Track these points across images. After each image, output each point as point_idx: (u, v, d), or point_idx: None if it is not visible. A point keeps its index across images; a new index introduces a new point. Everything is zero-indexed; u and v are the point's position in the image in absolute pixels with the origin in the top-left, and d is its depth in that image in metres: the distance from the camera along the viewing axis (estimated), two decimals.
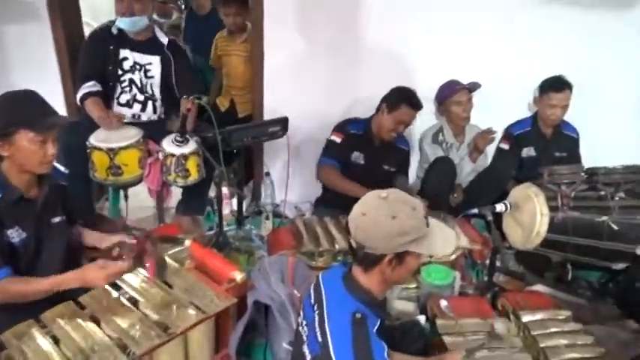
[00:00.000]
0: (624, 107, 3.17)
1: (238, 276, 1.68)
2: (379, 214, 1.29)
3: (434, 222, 1.36)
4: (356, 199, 1.39)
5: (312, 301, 1.42)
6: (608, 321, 2.06)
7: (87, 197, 2.52)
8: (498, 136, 3.02)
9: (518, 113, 3.10)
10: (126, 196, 2.58)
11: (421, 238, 1.30)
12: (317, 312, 1.38)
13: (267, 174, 3.09)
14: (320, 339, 1.32)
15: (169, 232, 2.36)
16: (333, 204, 2.73)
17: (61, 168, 1.81)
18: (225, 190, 2.87)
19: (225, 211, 2.92)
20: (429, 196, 2.67)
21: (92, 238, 1.97)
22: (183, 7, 5.01)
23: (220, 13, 3.13)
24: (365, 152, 2.74)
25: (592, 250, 2.26)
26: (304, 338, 1.43)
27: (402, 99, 2.59)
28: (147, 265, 1.71)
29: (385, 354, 1.28)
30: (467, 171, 2.96)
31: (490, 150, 3.06)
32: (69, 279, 1.61)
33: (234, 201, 2.84)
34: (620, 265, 2.29)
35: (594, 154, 3.00)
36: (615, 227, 2.19)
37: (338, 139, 2.70)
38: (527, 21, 2.91)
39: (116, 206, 2.78)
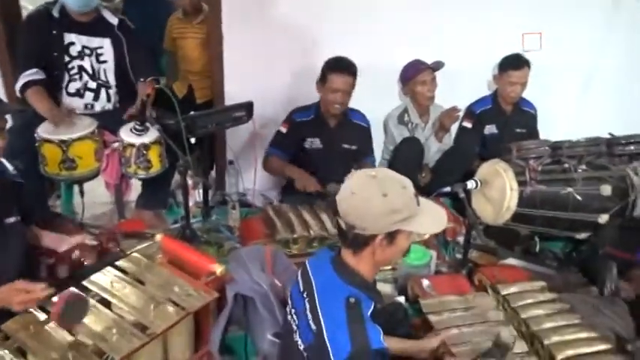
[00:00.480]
0: (574, 80, 3.28)
1: (218, 269, 1.59)
2: (369, 192, 1.24)
3: (424, 201, 1.33)
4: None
5: (301, 288, 1.36)
6: (577, 288, 2.15)
7: (40, 195, 2.32)
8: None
9: (479, 92, 3.15)
10: (81, 192, 2.41)
11: (412, 217, 1.27)
12: (307, 300, 1.33)
13: (231, 162, 2.98)
14: (313, 327, 1.27)
15: (133, 227, 2.23)
16: (301, 190, 2.68)
17: (9, 167, 1.59)
18: (188, 180, 2.74)
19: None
20: None
21: (50, 239, 1.82)
22: None
23: None
24: (320, 136, 2.71)
25: (558, 221, 2.33)
26: (294, 327, 1.37)
27: (328, 68, 2.56)
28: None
29: (381, 338, 1.24)
30: (433, 150, 2.98)
31: (453, 129, 3.09)
32: None
33: (198, 192, 2.72)
34: (583, 235, 2.39)
35: (548, 128, 3.12)
36: (579, 198, 2.26)
37: (284, 129, 2.70)
38: None
39: (69, 203, 2.59)
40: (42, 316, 1.41)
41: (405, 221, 1.26)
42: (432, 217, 1.33)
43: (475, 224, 2.19)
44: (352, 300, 1.25)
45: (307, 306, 1.32)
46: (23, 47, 2.35)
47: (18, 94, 2.29)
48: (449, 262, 2.35)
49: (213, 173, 3.15)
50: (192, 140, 2.27)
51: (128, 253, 1.97)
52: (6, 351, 1.31)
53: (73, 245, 1.75)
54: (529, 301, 1.86)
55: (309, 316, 1.30)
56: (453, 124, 2.96)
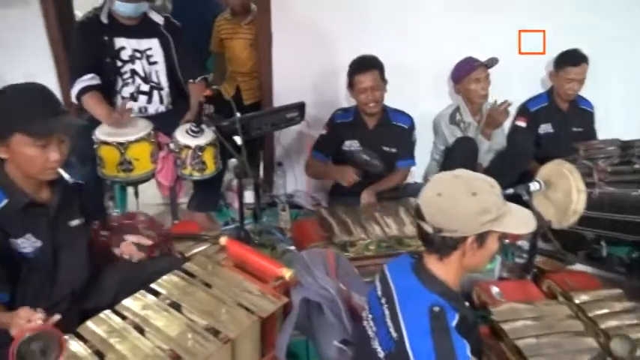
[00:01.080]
0: (635, 79, 3.14)
1: (287, 273, 1.55)
2: (458, 192, 1.19)
3: (509, 202, 1.26)
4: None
5: (379, 294, 1.31)
6: None
7: (97, 196, 2.34)
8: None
9: (529, 89, 3.04)
10: (136, 193, 2.42)
11: (502, 217, 1.21)
12: (386, 306, 1.27)
13: (280, 164, 2.96)
14: (394, 335, 1.22)
15: (187, 229, 2.22)
16: (350, 191, 2.63)
17: (66, 176, 1.58)
18: (235, 182, 2.73)
19: (236, 204, 2.78)
20: None
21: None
22: None
23: None
24: (359, 138, 2.66)
25: (627, 224, 2.21)
26: (371, 334, 1.32)
27: (351, 71, 2.55)
28: None
29: (467, 351, 1.17)
30: (484, 150, 2.89)
31: (505, 127, 3.00)
32: (5, 316, 1.35)
33: (248, 194, 2.70)
34: None
35: (607, 127, 2.98)
36: None
37: (324, 132, 2.66)
38: None
39: (123, 205, 2.60)
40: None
41: (495, 221, 1.20)
42: (520, 217, 1.27)
43: (545, 228, 2.09)
44: (436, 309, 1.19)
45: (387, 313, 1.26)
46: (77, 54, 2.36)
47: (74, 99, 2.30)
48: (509, 266, 2.27)
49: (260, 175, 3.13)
50: (239, 141, 2.24)
51: (187, 255, 1.99)
52: None
53: (129, 243, 1.73)
54: (606, 310, 1.76)
55: (390, 323, 1.24)
56: (505, 119, 2.83)
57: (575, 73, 2.79)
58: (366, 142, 2.66)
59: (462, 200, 1.18)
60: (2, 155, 1.42)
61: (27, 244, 1.49)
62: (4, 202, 1.45)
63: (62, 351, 1.17)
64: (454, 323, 1.20)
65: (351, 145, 2.67)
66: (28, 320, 1.26)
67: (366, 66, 2.51)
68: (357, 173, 2.53)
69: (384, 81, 2.56)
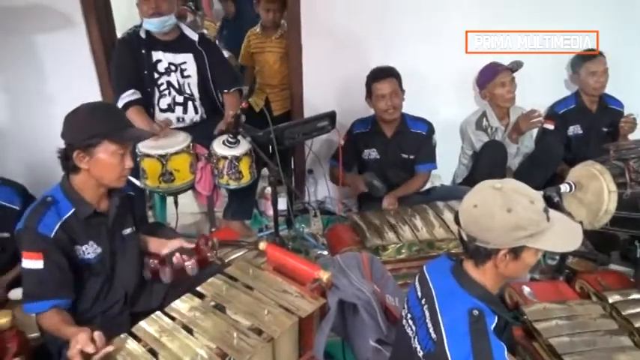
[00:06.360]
0: None
1: (324, 276, 1.63)
2: (493, 206, 1.20)
3: (557, 215, 1.26)
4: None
5: (419, 295, 1.36)
6: None
7: (142, 205, 2.47)
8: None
9: (552, 93, 3.05)
10: (176, 203, 2.53)
11: (540, 233, 1.20)
12: (426, 307, 1.31)
13: (311, 171, 3.05)
14: (434, 335, 1.25)
15: (227, 236, 2.32)
16: (379, 197, 2.68)
17: (137, 182, 1.75)
18: (268, 190, 2.83)
19: (269, 212, 2.88)
20: (481, 181, 2.61)
21: (154, 245, 1.92)
22: (193, 8, 5.02)
23: (258, 8, 3.06)
24: (377, 146, 2.72)
25: None
26: (410, 333, 1.37)
27: (369, 81, 2.61)
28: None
29: (505, 354, 1.19)
30: (512, 153, 2.90)
31: (533, 130, 3.00)
32: (67, 333, 1.44)
33: (281, 201, 2.78)
34: None
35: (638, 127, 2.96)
36: None
37: (342, 142, 2.70)
38: None
39: (163, 214, 2.73)
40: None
41: (531, 237, 1.19)
42: (564, 234, 1.25)
43: None
44: (475, 312, 1.21)
45: (427, 314, 1.30)
46: (119, 70, 2.50)
47: None
48: (541, 268, 2.28)
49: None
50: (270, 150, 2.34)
51: (227, 260, 2.09)
52: None
53: (174, 249, 1.84)
54: None
55: (430, 325, 1.27)
56: (530, 128, 2.84)
57: (596, 66, 2.82)
58: (384, 150, 2.71)
59: (495, 215, 1.19)
60: (83, 165, 1.56)
61: (90, 250, 1.63)
62: (71, 211, 1.59)
63: None
64: (493, 327, 1.22)
65: (370, 153, 2.74)
66: (90, 339, 1.35)
67: (384, 74, 2.57)
68: (365, 185, 2.59)
69: (401, 89, 2.61)
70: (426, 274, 1.37)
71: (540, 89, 3.03)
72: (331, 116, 2.51)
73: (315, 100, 2.92)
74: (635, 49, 2.98)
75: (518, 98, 2.86)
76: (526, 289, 1.89)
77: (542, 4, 2.84)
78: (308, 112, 2.93)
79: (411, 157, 2.73)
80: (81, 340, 1.35)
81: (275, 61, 3.06)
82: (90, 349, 1.34)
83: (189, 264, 1.82)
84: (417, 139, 2.71)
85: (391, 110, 2.59)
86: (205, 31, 3.99)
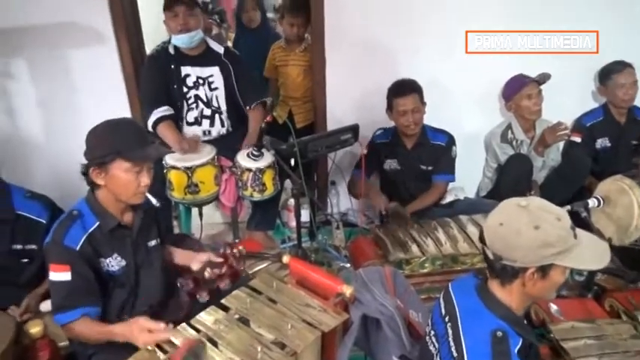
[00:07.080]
0: None
1: (347, 290, 1.63)
2: (520, 223, 1.19)
3: (583, 233, 1.24)
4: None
5: (443, 312, 1.35)
6: None
7: (168, 217, 2.52)
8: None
9: (580, 105, 3.01)
10: (200, 214, 2.57)
11: (567, 251, 1.19)
12: (449, 325, 1.31)
13: (333, 183, 3.06)
14: (455, 354, 1.25)
15: (250, 248, 2.34)
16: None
17: (153, 200, 1.79)
18: (291, 201, 2.85)
19: (292, 223, 2.90)
20: (506, 195, 2.58)
21: (181, 257, 1.94)
22: (219, 21, 5.10)
23: (282, 22, 3.11)
24: (398, 157, 2.73)
25: None
26: (433, 350, 1.36)
27: (391, 95, 2.62)
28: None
29: None
30: (538, 166, 2.86)
31: (560, 143, 2.96)
32: (117, 332, 1.53)
33: (303, 212, 2.80)
34: None
35: None
36: None
37: (365, 151, 2.69)
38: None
39: (188, 225, 2.78)
40: (161, 355, 1.45)
41: (559, 255, 1.18)
42: (592, 252, 1.23)
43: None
44: (499, 334, 1.19)
45: (450, 332, 1.29)
46: (149, 85, 2.57)
47: (150, 128, 2.48)
48: (569, 285, 2.23)
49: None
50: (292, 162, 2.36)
51: (250, 272, 2.11)
52: None
53: (203, 265, 1.86)
54: None
55: (452, 343, 1.27)
56: (557, 141, 2.80)
57: (624, 78, 2.78)
58: (405, 161, 2.72)
59: (522, 233, 1.18)
60: (100, 181, 1.61)
61: (114, 262, 1.66)
62: (96, 224, 1.63)
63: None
64: (517, 349, 1.20)
65: (391, 164, 2.75)
66: (149, 330, 1.45)
67: (406, 89, 2.57)
68: (386, 207, 2.60)
69: (423, 103, 2.61)
70: (451, 291, 1.37)
71: (567, 101, 3.00)
72: (354, 129, 2.52)
73: (337, 112, 2.94)
74: (635, 49, 2.92)
75: (545, 111, 2.82)
76: (553, 307, 1.85)
77: (542, 4, 2.81)
78: (331, 124, 2.95)
79: (430, 168, 2.73)
80: (144, 324, 1.46)
81: (298, 74, 3.09)
82: (157, 326, 1.43)
83: (223, 284, 1.83)
84: (437, 151, 2.71)
85: (412, 126, 2.60)
86: (230, 43, 4.06)
